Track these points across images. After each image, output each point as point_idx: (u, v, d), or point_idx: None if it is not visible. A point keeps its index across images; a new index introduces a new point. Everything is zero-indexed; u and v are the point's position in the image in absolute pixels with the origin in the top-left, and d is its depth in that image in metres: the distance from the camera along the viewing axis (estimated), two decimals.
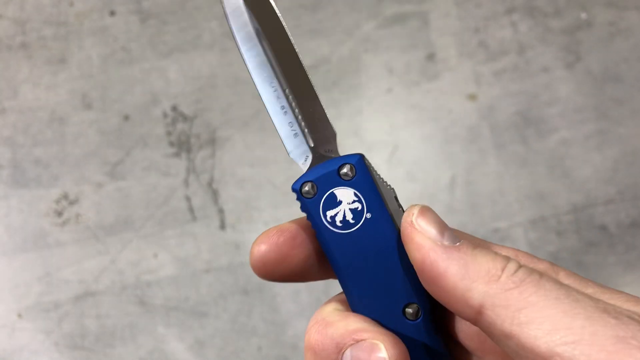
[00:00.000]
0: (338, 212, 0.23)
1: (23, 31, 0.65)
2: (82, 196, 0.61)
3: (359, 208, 0.23)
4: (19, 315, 0.59)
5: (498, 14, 0.65)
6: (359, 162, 0.23)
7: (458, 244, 0.21)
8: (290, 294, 0.58)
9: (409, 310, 0.23)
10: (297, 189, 0.23)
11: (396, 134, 0.62)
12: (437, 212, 0.23)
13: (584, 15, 0.64)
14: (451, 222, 0.23)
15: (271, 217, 0.60)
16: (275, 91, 0.24)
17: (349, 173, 0.23)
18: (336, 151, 0.24)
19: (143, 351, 0.58)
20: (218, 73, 0.64)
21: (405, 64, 0.63)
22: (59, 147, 0.62)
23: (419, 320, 0.23)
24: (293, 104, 0.24)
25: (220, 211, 0.60)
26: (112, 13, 0.65)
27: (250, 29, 0.24)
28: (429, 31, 0.64)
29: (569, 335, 0.18)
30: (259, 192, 0.60)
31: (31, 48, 0.65)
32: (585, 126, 0.62)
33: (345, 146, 0.62)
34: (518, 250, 0.24)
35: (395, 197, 0.24)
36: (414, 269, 0.22)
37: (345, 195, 0.23)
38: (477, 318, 0.20)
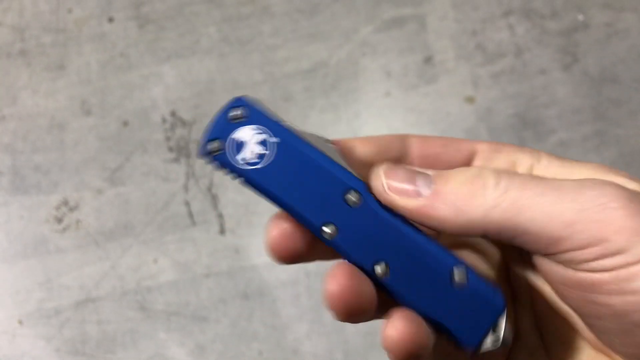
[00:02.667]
0: (248, 151, 0.23)
1: (22, 38, 0.65)
2: (82, 202, 0.61)
3: (264, 138, 0.23)
4: (20, 322, 0.59)
5: (495, 16, 0.65)
6: (240, 101, 0.23)
7: (433, 186, 0.22)
8: (290, 298, 0.58)
9: (350, 196, 0.23)
10: (205, 153, 0.24)
11: None
12: None
13: (580, 17, 0.65)
14: None
15: None
16: None
17: (238, 115, 0.23)
18: None
19: (144, 357, 0.58)
20: (216, 78, 0.64)
21: (403, 67, 0.64)
22: (59, 153, 0.62)
23: (361, 205, 0.23)
24: None
25: (220, 216, 0.60)
26: (111, 19, 0.66)
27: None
28: (426, 34, 0.64)
29: (564, 220, 0.20)
30: (258, 196, 0.60)
31: (30, 55, 0.65)
32: (583, 127, 0.62)
33: None
34: (490, 143, 0.26)
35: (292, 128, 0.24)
36: (339, 164, 0.23)
37: (245, 134, 0.23)
38: (485, 236, 0.22)
